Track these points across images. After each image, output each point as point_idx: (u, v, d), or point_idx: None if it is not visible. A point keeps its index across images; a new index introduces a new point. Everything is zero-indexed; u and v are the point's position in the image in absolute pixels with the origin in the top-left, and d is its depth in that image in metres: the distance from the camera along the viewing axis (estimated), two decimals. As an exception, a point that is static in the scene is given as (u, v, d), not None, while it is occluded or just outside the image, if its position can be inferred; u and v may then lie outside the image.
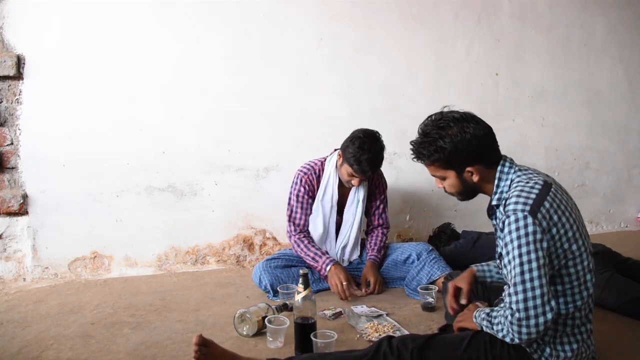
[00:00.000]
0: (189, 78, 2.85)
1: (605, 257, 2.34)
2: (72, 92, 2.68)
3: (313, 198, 2.50)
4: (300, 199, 2.49)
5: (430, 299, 2.17)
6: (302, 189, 2.49)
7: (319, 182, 2.51)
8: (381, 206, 2.60)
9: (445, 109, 1.48)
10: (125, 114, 2.76)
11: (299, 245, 2.44)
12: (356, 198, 2.50)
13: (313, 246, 2.43)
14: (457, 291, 1.61)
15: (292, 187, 2.52)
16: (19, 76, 2.59)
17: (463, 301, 1.59)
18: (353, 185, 2.41)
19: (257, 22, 2.95)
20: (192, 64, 2.86)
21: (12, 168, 2.62)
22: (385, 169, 2.58)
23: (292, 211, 2.50)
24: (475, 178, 1.44)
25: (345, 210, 2.52)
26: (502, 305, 1.50)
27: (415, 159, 1.51)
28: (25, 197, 2.62)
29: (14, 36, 2.59)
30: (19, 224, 2.64)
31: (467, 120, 1.42)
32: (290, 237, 2.50)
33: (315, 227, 2.49)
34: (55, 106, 2.66)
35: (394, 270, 2.53)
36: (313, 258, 2.40)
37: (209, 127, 2.89)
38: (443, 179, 1.50)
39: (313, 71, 3.06)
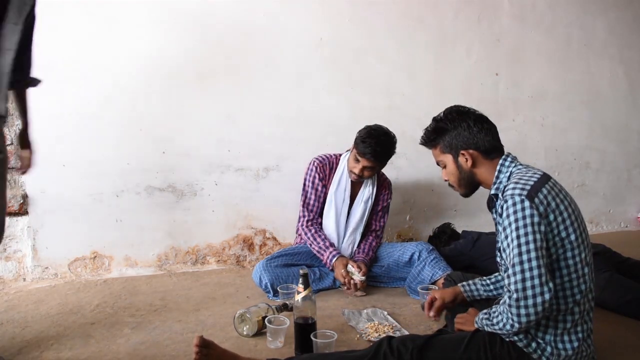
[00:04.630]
0: (189, 78, 2.85)
1: (605, 257, 2.34)
2: (72, 92, 2.67)
3: (325, 187, 2.55)
4: (315, 186, 2.54)
5: (430, 299, 2.17)
6: (317, 176, 2.54)
7: (331, 173, 2.56)
8: (381, 212, 2.64)
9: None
10: (125, 114, 2.76)
11: (306, 234, 2.49)
12: (363, 198, 2.54)
13: (320, 236, 2.47)
14: (432, 302, 1.70)
15: (306, 173, 2.57)
16: (19, 76, 2.59)
17: (431, 314, 1.68)
18: (355, 175, 2.42)
19: (257, 22, 2.95)
20: (192, 64, 2.85)
21: (12, 168, 2.62)
22: (385, 168, 2.58)
23: (306, 197, 2.55)
24: (469, 163, 1.51)
25: (353, 207, 2.55)
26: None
27: (421, 143, 1.64)
28: (25, 197, 2.62)
29: (14, 36, 2.58)
30: (19, 224, 2.64)
31: (472, 112, 1.55)
32: (301, 223, 2.54)
33: (328, 218, 2.52)
34: (54, 106, 2.65)
35: (395, 271, 2.53)
36: (318, 251, 2.45)
37: (209, 127, 2.89)
38: (444, 166, 1.58)
39: (313, 71, 3.06)
